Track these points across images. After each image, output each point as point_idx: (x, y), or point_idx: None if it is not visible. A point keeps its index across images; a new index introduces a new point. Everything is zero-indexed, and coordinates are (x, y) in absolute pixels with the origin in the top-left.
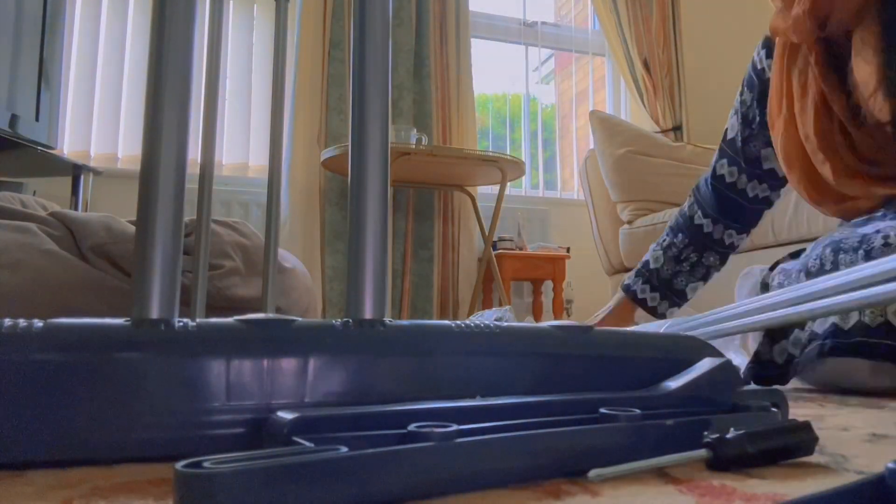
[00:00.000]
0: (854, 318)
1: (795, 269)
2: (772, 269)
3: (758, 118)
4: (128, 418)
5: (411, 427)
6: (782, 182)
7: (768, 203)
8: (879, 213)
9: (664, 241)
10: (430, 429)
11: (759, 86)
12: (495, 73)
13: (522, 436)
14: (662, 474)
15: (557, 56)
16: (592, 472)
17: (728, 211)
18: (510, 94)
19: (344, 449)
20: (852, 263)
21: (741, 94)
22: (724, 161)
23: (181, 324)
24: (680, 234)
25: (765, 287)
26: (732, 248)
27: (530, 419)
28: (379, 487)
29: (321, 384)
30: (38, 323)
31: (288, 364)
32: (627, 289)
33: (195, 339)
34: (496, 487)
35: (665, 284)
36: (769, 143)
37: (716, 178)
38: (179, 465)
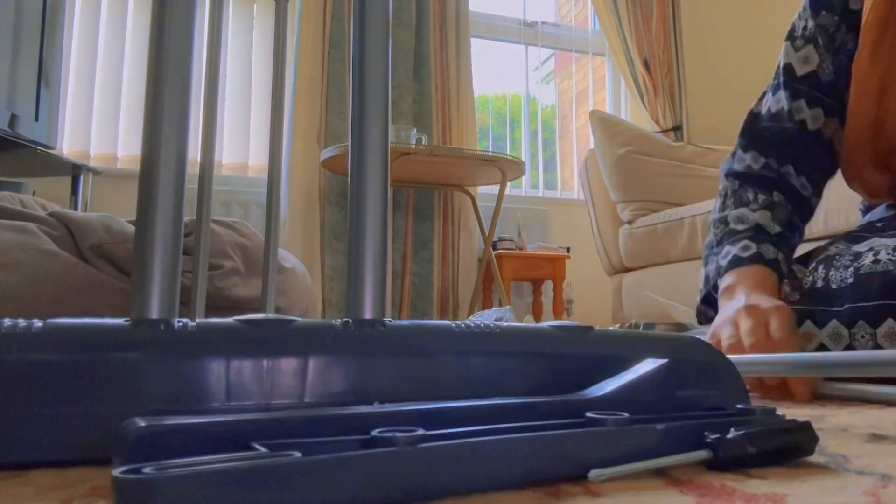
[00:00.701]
0: (844, 342)
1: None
2: None
3: (850, 44)
4: (128, 418)
5: (374, 432)
6: None
7: (836, 168)
8: (880, 225)
9: (759, 197)
10: (393, 433)
11: (842, 9)
12: (495, 73)
13: (489, 441)
14: (663, 475)
15: (557, 56)
16: (592, 473)
17: (818, 168)
18: (510, 94)
19: (297, 454)
20: (842, 281)
21: (812, 18)
22: (802, 102)
23: (181, 324)
24: (779, 198)
25: None
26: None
27: (504, 423)
28: (335, 494)
29: (321, 384)
30: (38, 323)
31: (288, 364)
32: (760, 258)
33: (195, 339)
34: (467, 494)
35: (791, 254)
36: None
37: (797, 124)
38: (118, 471)
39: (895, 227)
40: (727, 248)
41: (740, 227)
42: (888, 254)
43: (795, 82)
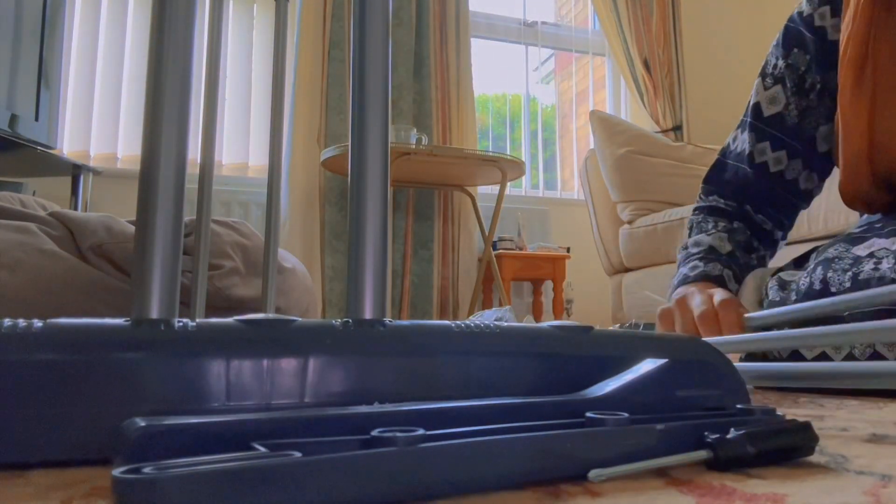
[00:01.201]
0: (844, 350)
1: (789, 286)
2: (772, 275)
3: (819, 86)
4: (128, 418)
5: (374, 432)
6: (830, 170)
7: (809, 200)
8: (878, 225)
9: (719, 224)
10: (393, 433)
11: (817, 46)
12: (495, 73)
13: (489, 441)
14: (663, 475)
15: (557, 56)
16: (592, 473)
17: (779, 208)
18: (510, 94)
19: (297, 454)
20: (840, 285)
21: (783, 58)
22: (766, 144)
23: (181, 324)
24: (737, 225)
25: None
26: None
27: (507, 423)
28: (335, 494)
29: (321, 384)
30: (38, 323)
31: (288, 364)
32: (706, 276)
33: (195, 340)
34: (467, 493)
35: (742, 274)
36: (830, 118)
37: (756, 167)
38: (118, 471)
39: (893, 225)
40: (681, 269)
41: (695, 251)
42: (889, 264)
43: (761, 123)
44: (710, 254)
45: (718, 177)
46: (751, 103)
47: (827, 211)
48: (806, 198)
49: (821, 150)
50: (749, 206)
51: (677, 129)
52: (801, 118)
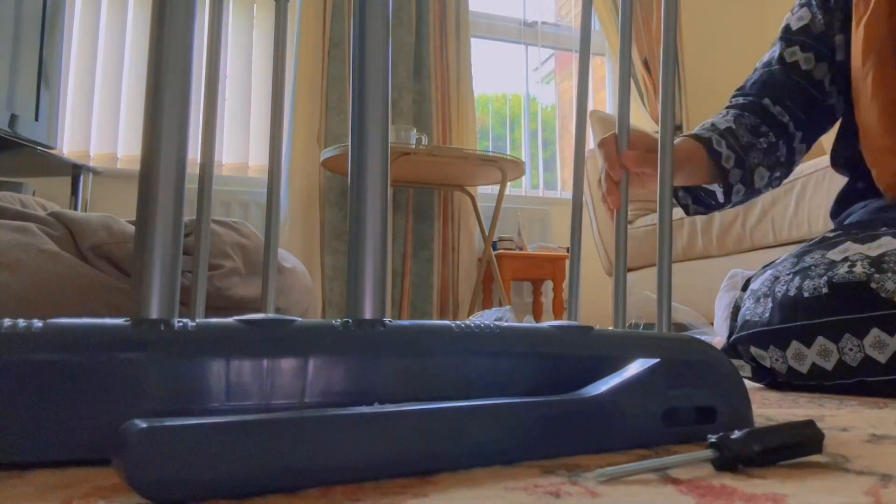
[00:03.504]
0: (834, 357)
1: (762, 293)
2: (744, 288)
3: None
4: (127, 418)
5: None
6: (847, 87)
7: (833, 116)
8: (854, 230)
9: (730, 113)
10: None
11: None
12: (495, 73)
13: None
14: (663, 475)
15: (557, 56)
16: (595, 473)
17: (802, 104)
18: (510, 94)
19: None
20: (815, 291)
21: None
22: (796, 48)
23: (181, 324)
24: (748, 114)
25: (737, 310)
26: (791, 162)
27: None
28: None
29: (321, 384)
30: (38, 323)
31: (288, 364)
32: (698, 137)
33: (195, 340)
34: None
35: (743, 149)
36: (842, 29)
37: (786, 66)
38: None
39: (873, 227)
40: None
41: (698, 129)
42: (863, 267)
43: (790, 34)
44: (708, 126)
45: (746, 82)
46: (778, 35)
47: (809, 213)
48: (829, 109)
49: (838, 59)
50: (768, 98)
51: (677, 129)
52: (826, 27)
